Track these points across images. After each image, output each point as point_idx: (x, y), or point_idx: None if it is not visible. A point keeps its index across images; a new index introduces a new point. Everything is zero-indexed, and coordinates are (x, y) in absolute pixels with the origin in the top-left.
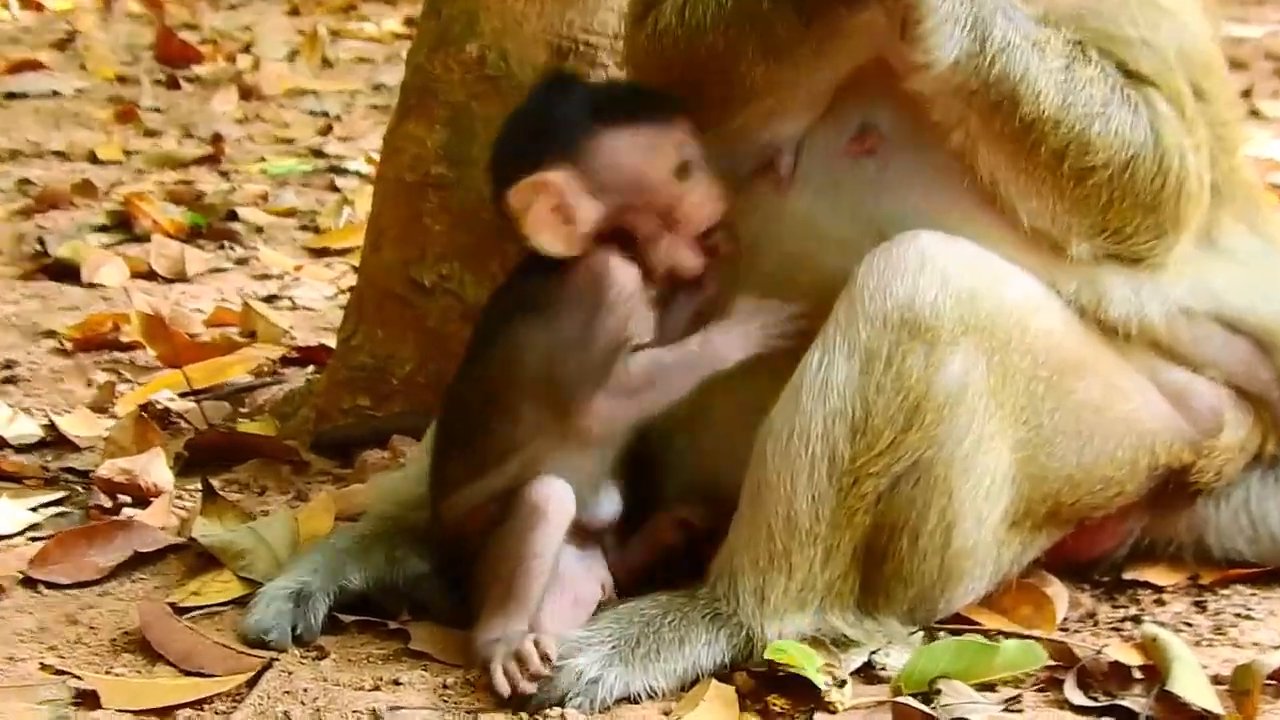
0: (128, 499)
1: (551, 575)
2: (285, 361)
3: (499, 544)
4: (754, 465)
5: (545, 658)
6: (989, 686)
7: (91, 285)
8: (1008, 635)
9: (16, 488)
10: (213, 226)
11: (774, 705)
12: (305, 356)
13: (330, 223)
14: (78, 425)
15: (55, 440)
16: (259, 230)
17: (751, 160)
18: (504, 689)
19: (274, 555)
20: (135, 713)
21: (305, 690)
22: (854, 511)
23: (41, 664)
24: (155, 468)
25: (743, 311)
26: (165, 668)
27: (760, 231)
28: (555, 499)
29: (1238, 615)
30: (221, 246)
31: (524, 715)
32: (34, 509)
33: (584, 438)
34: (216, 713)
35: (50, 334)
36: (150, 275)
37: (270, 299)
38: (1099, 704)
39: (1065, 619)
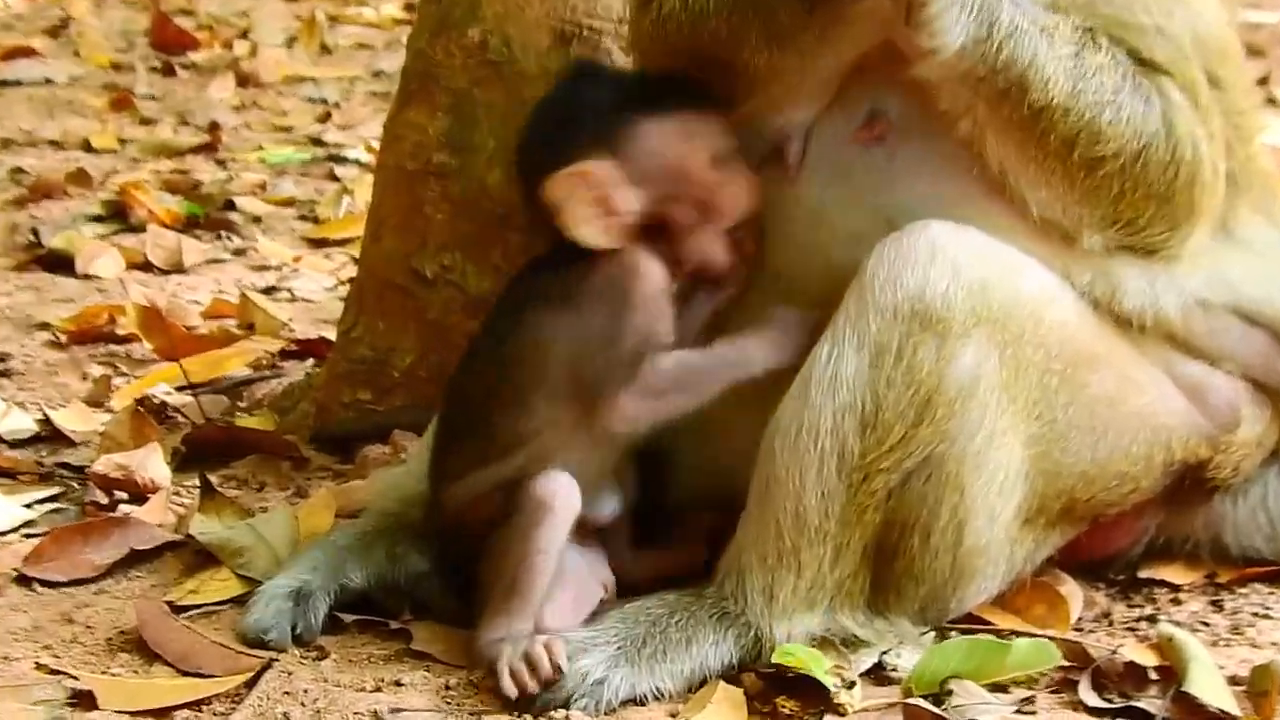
0: (124, 495)
1: (555, 572)
2: (284, 354)
3: (503, 540)
4: (762, 461)
5: (557, 667)
6: (1002, 687)
7: (86, 276)
8: (1021, 635)
9: (10, 483)
10: (210, 216)
11: (783, 707)
12: (304, 349)
13: (329, 212)
14: (73, 420)
15: (50, 435)
16: (257, 220)
17: (760, 148)
18: (511, 692)
19: (273, 553)
20: (132, 713)
21: (305, 691)
22: (864, 508)
23: (36, 663)
24: (152, 463)
25: (780, 320)
26: (163, 668)
27: (768, 221)
28: (562, 494)
29: (1256, 614)
30: (219, 237)
31: (528, 718)
32: (28, 505)
33: (605, 436)
34: (215, 714)
35: (44, 326)
36: (146, 266)
37: (269, 290)
38: (1114, 705)
39: (1080, 618)
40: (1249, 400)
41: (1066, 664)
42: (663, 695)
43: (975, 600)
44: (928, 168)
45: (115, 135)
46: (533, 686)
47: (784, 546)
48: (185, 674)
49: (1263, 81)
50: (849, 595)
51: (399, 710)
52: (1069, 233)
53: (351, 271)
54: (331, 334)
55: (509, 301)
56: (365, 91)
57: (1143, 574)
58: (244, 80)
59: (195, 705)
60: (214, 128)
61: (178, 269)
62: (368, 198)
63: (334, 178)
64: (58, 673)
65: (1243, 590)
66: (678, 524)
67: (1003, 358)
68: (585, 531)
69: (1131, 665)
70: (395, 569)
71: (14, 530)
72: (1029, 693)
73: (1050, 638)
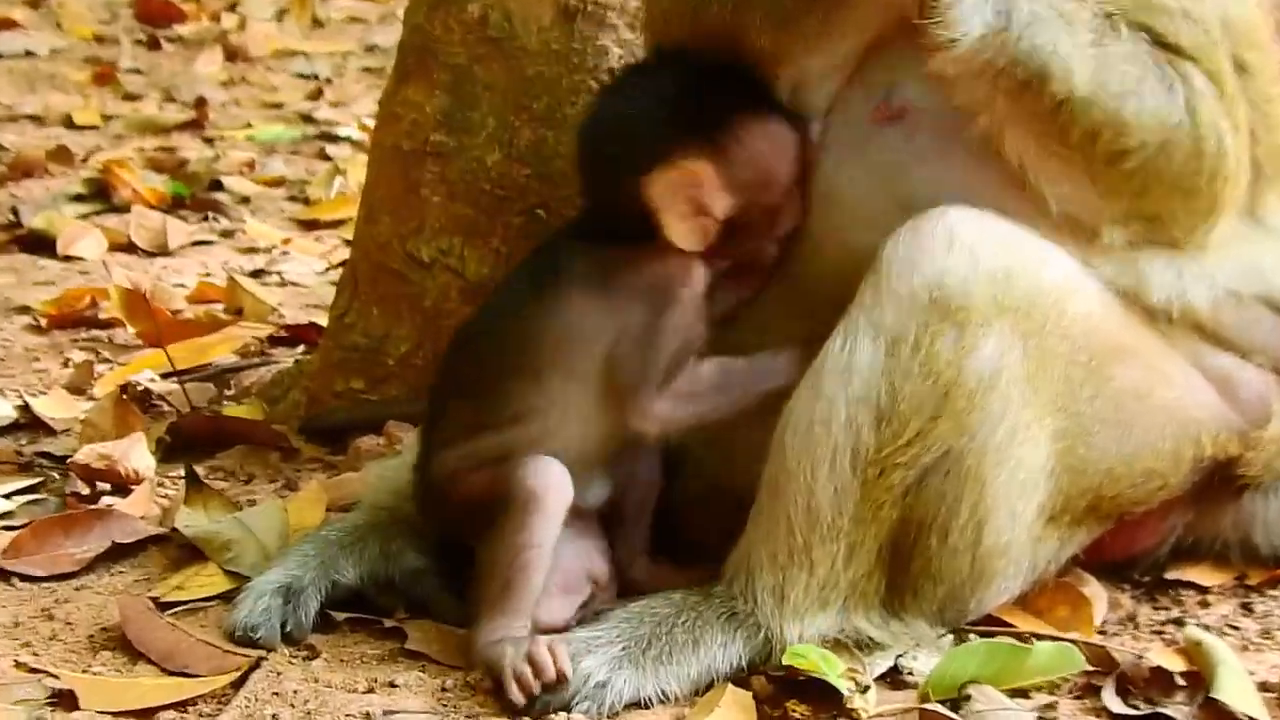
0: (106, 486)
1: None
2: (273, 341)
3: (494, 535)
4: (773, 455)
5: (561, 672)
6: (1022, 693)
7: (68, 258)
8: (1042, 638)
9: None
10: (196, 196)
11: (794, 711)
12: (295, 335)
13: (321, 193)
14: (53, 407)
15: (29, 423)
16: (245, 201)
17: None
18: (519, 700)
19: (262, 547)
20: (115, 714)
21: (295, 692)
22: (879, 505)
23: (15, 662)
24: (136, 453)
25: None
26: (146, 667)
27: None
28: (554, 486)
29: None
30: (206, 218)
31: None
32: (7, 496)
33: (621, 429)
34: (201, 715)
35: (24, 310)
36: (130, 248)
37: (257, 274)
38: (1139, 712)
39: (1104, 621)
40: None
41: (1090, 669)
42: (668, 698)
43: (995, 601)
44: (947, 149)
45: (98, 111)
46: (538, 691)
47: (795, 544)
48: (170, 673)
49: None
50: (863, 595)
51: (393, 713)
52: (1091, 227)
53: (344, 255)
54: (323, 320)
55: (542, 270)
56: (358, 67)
57: (1170, 575)
58: (232, 54)
59: (180, 706)
60: (201, 104)
61: (163, 251)
62: (361, 178)
63: (326, 157)
64: (37, 671)
65: (1273, 592)
66: (687, 531)
67: (1025, 349)
68: (574, 519)
69: (1158, 670)
70: (389, 565)
71: None
72: (1051, 698)
73: (1073, 641)
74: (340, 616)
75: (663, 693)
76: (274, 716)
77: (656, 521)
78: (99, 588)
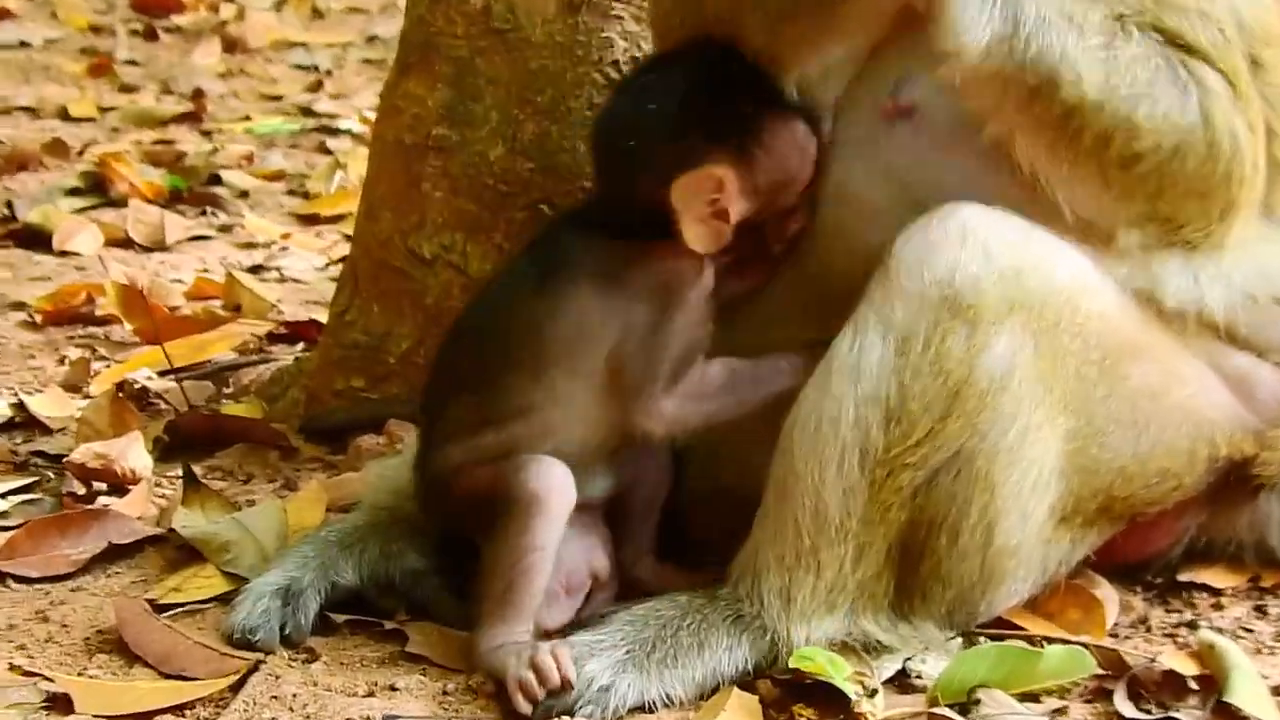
0: (103, 486)
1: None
2: (273, 338)
3: (498, 537)
4: (780, 455)
5: (566, 679)
6: (1033, 696)
7: (64, 253)
8: (1053, 641)
9: None
10: (194, 190)
11: (800, 715)
12: (294, 333)
13: (321, 187)
14: (49, 405)
15: (25, 421)
16: (244, 195)
17: None
18: (525, 708)
19: (260, 548)
20: (111, 718)
21: (294, 695)
22: (888, 506)
23: (10, 664)
24: (133, 452)
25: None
26: (143, 670)
27: None
28: (557, 488)
29: None
30: (203, 212)
31: None
32: (1, 496)
33: (620, 427)
34: (198, 719)
35: (19, 306)
36: (127, 243)
37: (256, 270)
38: (1151, 716)
39: (1115, 624)
40: None
41: (1101, 672)
42: (673, 702)
43: (1005, 604)
44: (957, 146)
45: (94, 103)
46: (542, 697)
47: (802, 546)
48: (167, 676)
49: None
50: (871, 598)
51: (393, 716)
52: (1106, 230)
53: (344, 250)
54: (323, 317)
55: (545, 261)
56: (359, 59)
57: (1183, 577)
58: (230, 45)
59: (178, 710)
60: (198, 96)
61: (160, 246)
62: (361, 172)
63: (326, 150)
64: (32, 674)
65: None
66: (693, 532)
67: (1038, 347)
68: (577, 514)
69: (1170, 674)
70: (390, 566)
71: None
72: (1061, 703)
73: (1084, 644)
74: (340, 619)
75: (667, 696)
76: None
77: (662, 522)
78: (95, 589)
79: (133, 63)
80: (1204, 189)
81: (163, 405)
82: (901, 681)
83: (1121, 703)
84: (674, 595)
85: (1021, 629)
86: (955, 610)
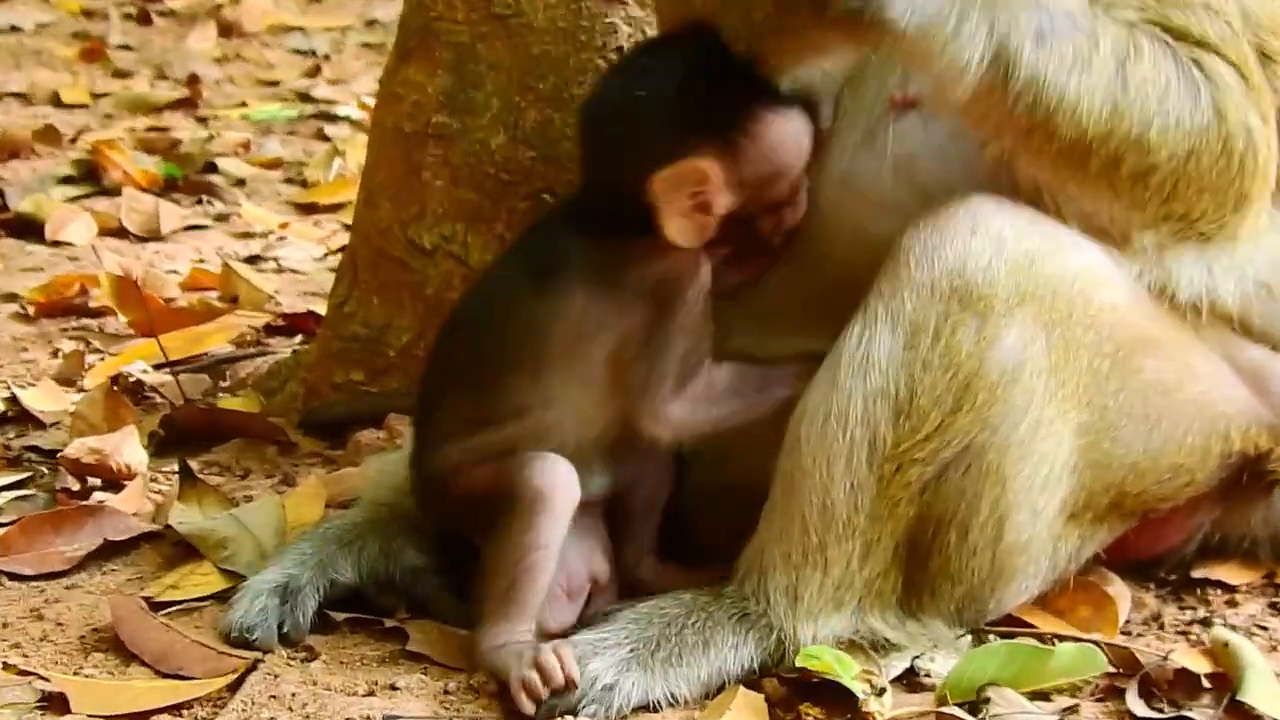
0: (98, 481)
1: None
2: (270, 330)
3: (501, 535)
4: (787, 450)
5: (570, 679)
6: (1043, 695)
7: (56, 243)
8: (1064, 639)
9: None
10: (189, 179)
11: (807, 715)
12: (292, 325)
13: (319, 175)
14: (42, 399)
15: (18, 416)
16: (240, 183)
17: None
18: (528, 709)
19: (258, 545)
20: (107, 718)
21: (293, 695)
22: (896, 502)
23: (4, 663)
24: (128, 447)
25: None
26: (139, 669)
27: None
28: (561, 485)
29: None
30: (199, 201)
31: None
32: None
33: (651, 438)
34: (196, 718)
35: (11, 297)
36: (121, 233)
37: (253, 260)
38: (1163, 715)
39: (1128, 621)
40: None
41: (1113, 670)
42: (678, 701)
43: (1015, 601)
44: (967, 136)
45: (87, 89)
46: (546, 697)
47: (809, 543)
48: (164, 675)
49: None
50: (879, 595)
51: (394, 716)
52: (1119, 234)
53: (343, 240)
54: (321, 308)
55: (540, 259)
56: (358, 43)
57: (1196, 574)
58: (226, 30)
59: (175, 709)
60: (194, 81)
61: (155, 236)
62: (360, 159)
63: (324, 137)
64: (27, 673)
65: None
66: (696, 534)
67: (1049, 339)
68: (578, 515)
69: (1183, 672)
70: (390, 563)
71: None
72: (1072, 701)
73: (1096, 642)
74: (339, 617)
75: (672, 695)
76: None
77: (665, 524)
78: (90, 587)
79: (126, 47)
80: (1218, 184)
81: (158, 399)
82: (910, 680)
83: (1133, 701)
84: (678, 593)
85: (1032, 626)
86: (964, 607)
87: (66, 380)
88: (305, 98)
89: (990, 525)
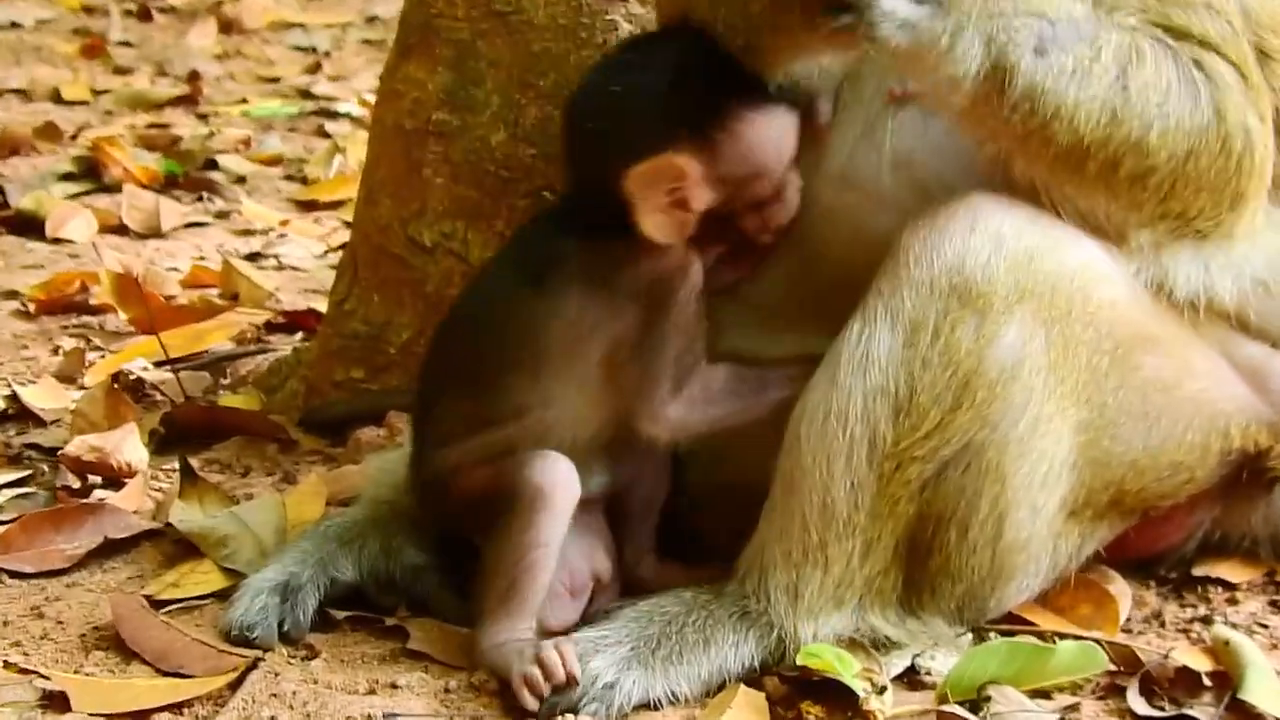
0: (98, 479)
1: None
2: (271, 328)
3: (501, 533)
4: (787, 449)
5: (571, 676)
6: (1044, 694)
7: (57, 240)
8: (1065, 637)
9: None
10: (190, 175)
11: (808, 713)
12: (293, 322)
13: (320, 172)
14: (42, 397)
15: (18, 413)
16: (241, 180)
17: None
18: (531, 705)
19: (259, 543)
20: (108, 716)
21: (294, 693)
22: (897, 500)
23: (5, 662)
24: (128, 445)
25: None
26: (140, 667)
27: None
28: (562, 483)
29: None
30: (200, 198)
31: None
32: None
33: (649, 438)
34: (196, 717)
35: (12, 295)
36: (121, 230)
37: (254, 257)
38: (1164, 713)
39: (1128, 619)
40: None
41: (1114, 668)
42: (678, 699)
43: (1016, 599)
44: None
45: (87, 85)
46: (548, 694)
47: (810, 541)
48: (164, 674)
49: None
50: (879, 593)
51: (395, 715)
52: (1117, 232)
53: (343, 237)
54: (322, 305)
55: (535, 259)
56: (358, 39)
57: (1197, 572)
58: (227, 26)
59: (175, 708)
60: (194, 78)
61: (155, 233)
62: (361, 156)
63: (324, 134)
64: (27, 672)
65: None
66: (696, 533)
67: (1049, 336)
68: (578, 514)
69: (1184, 670)
70: (390, 562)
71: None
72: (1073, 699)
73: (1096, 640)
74: (340, 615)
75: (672, 693)
76: (272, 718)
77: (665, 523)
78: (91, 585)
79: (127, 44)
80: (1216, 184)
81: (159, 396)
82: (910, 678)
83: (1134, 700)
84: (679, 592)
85: (1032, 624)
86: (965, 605)
87: (67, 378)
88: (306, 94)
89: (990, 523)
